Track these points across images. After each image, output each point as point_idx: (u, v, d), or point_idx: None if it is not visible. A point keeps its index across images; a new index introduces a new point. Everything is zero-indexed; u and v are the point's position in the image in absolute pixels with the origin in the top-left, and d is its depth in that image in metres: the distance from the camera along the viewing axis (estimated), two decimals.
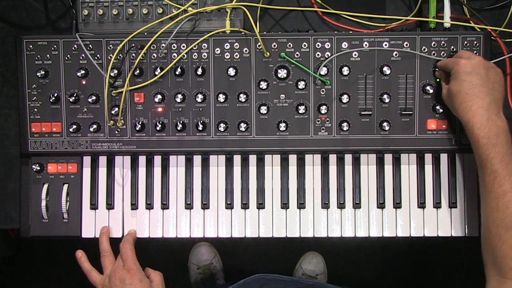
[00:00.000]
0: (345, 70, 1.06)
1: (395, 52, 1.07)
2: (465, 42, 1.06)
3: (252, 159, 1.12)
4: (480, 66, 0.96)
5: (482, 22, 1.10)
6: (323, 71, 1.07)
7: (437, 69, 1.06)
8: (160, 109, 1.09)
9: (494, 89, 0.96)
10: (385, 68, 1.06)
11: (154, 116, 1.09)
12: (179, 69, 1.07)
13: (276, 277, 1.37)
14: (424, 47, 1.07)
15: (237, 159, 1.12)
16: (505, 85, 0.98)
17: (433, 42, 1.06)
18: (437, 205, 1.10)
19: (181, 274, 2.12)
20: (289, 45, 1.07)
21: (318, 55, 1.08)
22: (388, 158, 1.11)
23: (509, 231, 0.87)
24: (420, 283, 2.19)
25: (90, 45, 1.08)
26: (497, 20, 1.14)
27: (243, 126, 1.08)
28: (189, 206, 1.11)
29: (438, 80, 1.07)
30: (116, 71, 1.07)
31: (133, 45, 1.08)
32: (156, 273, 1.08)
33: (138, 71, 1.08)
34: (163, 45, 1.07)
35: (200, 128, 1.08)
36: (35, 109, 1.10)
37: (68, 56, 1.09)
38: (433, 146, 1.08)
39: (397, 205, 1.10)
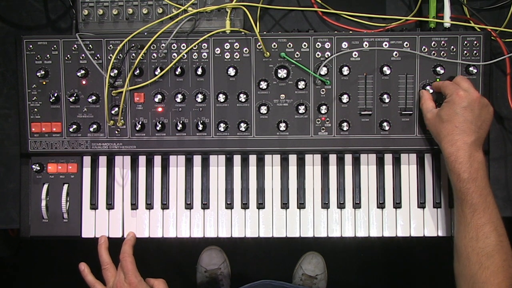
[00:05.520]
0: (345, 70, 1.06)
1: (395, 52, 1.07)
2: (465, 42, 1.06)
3: (252, 159, 1.12)
4: (476, 103, 0.98)
5: (482, 22, 1.10)
6: (323, 71, 1.07)
7: (424, 88, 1.06)
8: (160, 109, 1.09)
9: (481, 128, 0.98)
10: (385, 68, 1.06)
11: (154, 116, 1.09)
12: (179, 69, 1.07)
13: (282, 284, 1.36)
14: (424, 47, 1.07)
15: (237, 159, 1.12)
16: (491, 125, 1.01)
17: (433, 42, 1.06)
18: (437, 205, 1.10)
19: (190, 273, 2.10)
20: (289, 45, 1.07)
21: (318, 55, 1.08)
22: (388, 158, 1.11)
23: (490, 259, 0.90)
24: (421, 283, 2.19)
25: (90, 45, 1.08)
26: (497, 20, 1.14)
27: (243, 126, 1.08)
28: (189, 206, 1.11)
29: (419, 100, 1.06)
30: (116, 71, 1.07)
31: (133, 45, 1.08)
32: (160, 281, 1.07)
33: (138, 71, 1.08)
34: (163, 45, 1.07)
35: (200, 128, 1.08)
36: (35, 109, 1.10)
37: (68, 56, 1.09)
38: (433, 146, 1.08)
39: (397, 205, 1.10)
